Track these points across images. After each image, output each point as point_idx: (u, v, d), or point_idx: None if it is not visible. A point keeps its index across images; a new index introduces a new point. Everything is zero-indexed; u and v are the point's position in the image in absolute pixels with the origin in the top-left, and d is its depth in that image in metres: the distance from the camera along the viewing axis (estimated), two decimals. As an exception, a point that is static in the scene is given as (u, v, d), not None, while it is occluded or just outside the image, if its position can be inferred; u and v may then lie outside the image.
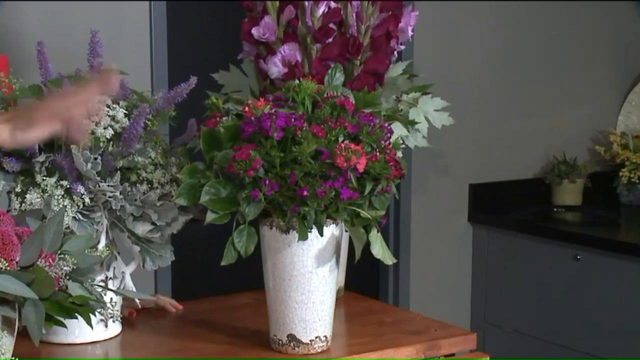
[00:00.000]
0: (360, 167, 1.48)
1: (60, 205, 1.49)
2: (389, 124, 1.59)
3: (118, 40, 2.53)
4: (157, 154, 1.61)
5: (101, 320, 1.61)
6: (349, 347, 1.65)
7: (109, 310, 1.39)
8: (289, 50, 1.73)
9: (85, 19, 2.51)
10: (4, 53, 2.07)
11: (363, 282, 3.03)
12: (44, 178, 1.52)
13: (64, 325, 1.34)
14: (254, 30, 1.74)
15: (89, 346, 1.62)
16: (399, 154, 1.59)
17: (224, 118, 1.58)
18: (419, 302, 3.14)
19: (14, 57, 2.39)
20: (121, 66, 1.67)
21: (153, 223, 1.60)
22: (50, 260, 1.30)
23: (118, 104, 1.60)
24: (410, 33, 1.80)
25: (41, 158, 1.52)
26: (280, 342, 1.58)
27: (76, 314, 1.32)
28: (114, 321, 1.63)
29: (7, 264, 1.25)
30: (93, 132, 1.53)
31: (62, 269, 1.31)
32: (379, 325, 1.75)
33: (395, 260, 1.62)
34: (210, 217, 1.51)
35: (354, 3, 1.73)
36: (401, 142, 1.62)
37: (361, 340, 1.67)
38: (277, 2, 1.73)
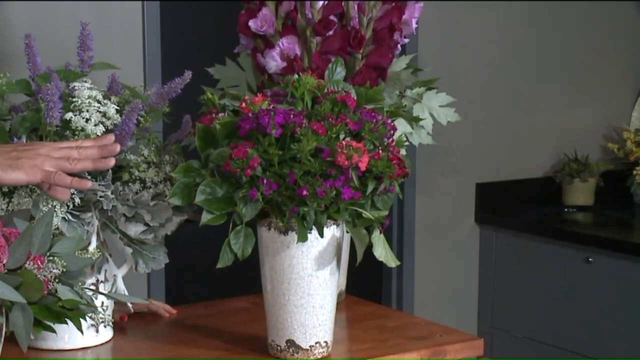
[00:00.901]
0: (362, 166, 1.48)
1: (49, 206, 1.50)
2: (392, 121, 1.60)
3: (109, 33, 2.53)
4: (150, 151, 1.61)
5: (92, 325, 1.61)
6: (350, 353, 1.65)
7: (100, 315, 1.40)
8: (288, 44, 1.73)
9: (76, 11, 2.51)
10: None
11: (365, 285, 3.04)
12: (32, 177, 1.52)
13: (53, 331, 1.34)
14: (251, 23, 1.74)
15: (79, 352, 1.62)
16: (403, 151, 1.59)
17: (220, 114, 1.58)
18: (423, 307, 3.15)
19: (1, 51, 2.40)
20: (112, 60, 1.68)
21: (146, 224, 1.60)
22: (39, 263, 1.30)
23: (109, 99, 1.60)
24: (414, 25, 1.80)
25: (29, 156, 1.52)
26: (279, 348, 1.58)
27: (66, 319, 1.32)
28: (105, 326, 1.63)
29: (-7, 267, 1.25)
30: (83, 129, 1.54)
31: (51, 271, 1.31)
32: (381, 330, 1.75)
33: (398, 263, 1.62)
34: (205, 217, 1.51)
35: (356, -7, 1.73)
36: (405, 139, 1.62)
37: (363, 346, 1.67)
38: (276, -7, 1.73)
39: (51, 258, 1.33)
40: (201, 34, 2.89)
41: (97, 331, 1.64)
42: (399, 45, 1.81)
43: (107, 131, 1.56)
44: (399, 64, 1.83)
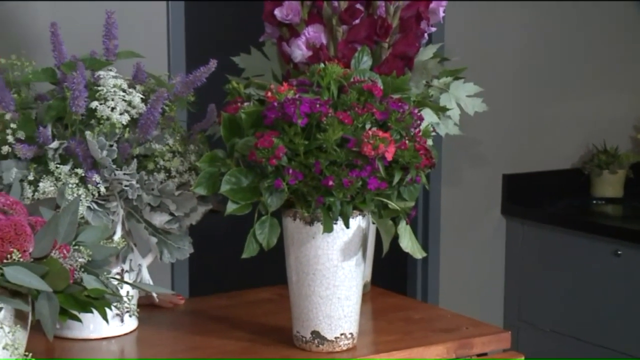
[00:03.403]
0: (389, 156, 1.49)
1: (75, 195, 1.51)
2: (419, 111, 1.60)
3: (134, 21, 2.54)
4: (175, 141, 1.62)
5: (117, 314, 1.63)
6: (376, 345, 1.66)
7: (125, 305, 1.41)
8: (314, 32, 1.74)
9: (99, -1, 2.53)
10: (17, 35, 2.09)
11: (389, 277, 3.04)
12: (58, 166, 1.53)
13: (78, 320, 1.35)
14: (276, 11, 1.74)
15: (104, 342, 1.64)
16: (430, 142, 1.59)
17: (246, 103, 1.58)
18: (449, 299, 3.15)
19: (27, 40, 2.42)
20: (137, 49, 1.69)
21: (171, 214, 1.61)
22: (65, 252, 1.32)
23: (134, 88, 1.61)
24: (441, 14, 1.80)
25: (54, 145, 1.54)
26: (304, 339, 1.59)
27: (91, 308, 1.34)
28: (130, 316, 1.65)
29: (20, 255, 1.27)
30: (108, 118, 1.55)
31: (76, 260, 1.33)
32: (407, 322, 1.76)
33: (424, 254, 1.62)
34: (230, 207, 1.52)
35: (383, -18, 1.73)
36: (432, 129, 1.62)
37: (388, 338, 1.68)
38: (302, -19, 1.73)
39: (77, 247, 1.35)
40: (225, 23, 2.90)
41: (122, 321, 1.65)
42: (425, 34, 1.81)
43: (132, 120, 1.57)
44: (426, 53, 1.83)
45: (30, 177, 1.54)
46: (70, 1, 2.53)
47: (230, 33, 2.82)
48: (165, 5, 2.66)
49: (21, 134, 1.55)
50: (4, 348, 1.27)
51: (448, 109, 1.80)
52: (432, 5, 1.77)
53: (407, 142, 1.52)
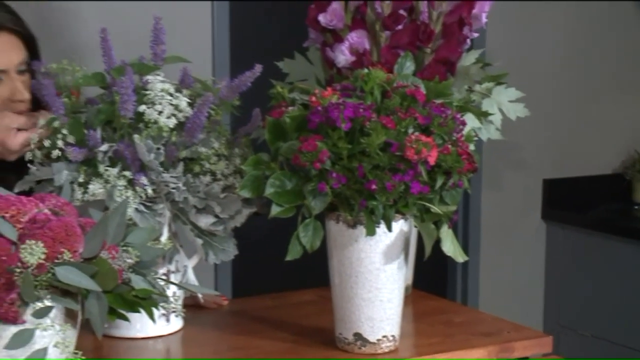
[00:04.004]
0: (431, 160, 1.49)
1: (123, 196, 1.53)
2: (462, 116, 1.60)
3: (179, 27, 2.57)
4: (221, 144, 1.64)
5: (163, 314, 1.64)
6: (417, 347, 1.66)
7: (172, 305, 1.42)
8: (357, 38, 1.74)
9: (146, 4, 2.56)
10: (66, 40, 2.12)
11: (429, 280, 3.03)
12: (107, 168, 1.56)
13: (126, 319, 1.37)
14: (320, 17, 1.75)
15: (150, 341, 1.66)
16: (471, 146, 1.59)
17: (290, 108, 1.59)
18: (488, 302, 3.14)
19: (76, 45, 2.45)
20: (182, 54, 1.71)
21: (216, 216, 1.63)
22: (114, 252, 1.33)
23: (181, 92, 1.63)
24: (484, 20, 1.80)
25: (104, 148, 1.56)
26: (346, 340, 1.60)
27: (139, 308, 1.35)
28: (176, 316, 1.66)
29: (70, 256, 1.28)
30: (156, 122, 1.57)
31: (125, 261, 1.34)
32: (448, 325, 1.76)
33: (466, 258, 1.62)
34: (275, 210, 1.53)
35: (426, -12, 1.74)
36: (474, 134, 1.62)
37: (430, 340, 1.68)
38: (346, -13, 1.74)
39: (125, 248, 1.36)
40: (269, 28, 2.91)
41: (167, 320, 1.67)
42: (468, 40, 1.80)
43: (179, 123, 1.59)
44: (468, 59, 1.83)
45: (80, 180, 1.56)
46: (118, 6, 2.56)
47: (274, 38, 2.84)
48: (210, 12, 2.68)
49: (71, 138, 1.58)
50: (54, 346, 1.29)
51: (490, 114, 1.80)
52: (475, 10, 1.77)
53: (449, 146, 1.52)
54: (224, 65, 2.71)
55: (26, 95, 1.72)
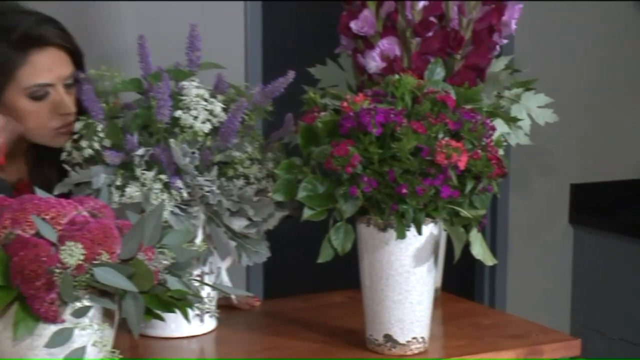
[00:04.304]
0: (461, 165, 1.49)
1: (159, 199, 1.54)
2: (491, 121, 1.59)
3: (213, 33, 2.58)
4: (254, 148, 1.64)
5: (197, 315, 1.65)
6: (446, 349, 1.65)
7: (206, 305, 1.43)
8: (388, 44, 1.74)
9: (180, 10, 2.58)
10: (104, 47, 2.13)
11: (457, 283, 3.02)
12: (143, 172, 1.57)
13: (162, 319, 1.38)
14: (352, 24, 1.75)
15: (185, 340, 1.66)
16: (501, 151, 1.59)
17: (322, 113, 1.60)
18: (516, 305, 3.12)
19: (113, 51, 2.47)
20: (215, 60, 1.72)
21: (249, 218, 1.63)
22: (150, 254, 1.34)
23: (216, 98, 1.64)
24: (513, 26, 1.79)
25: (140, 152, 1.57)
26: (377, 342, 1.59)
27: (174, 308, 1.36)
28: (210, 316, 1.67)
29: (108, 257, 1.29)
30: (191, 127, 1.58)
31: (161, 262, 1.35)
32: (477, 327, 1.75)
33: (495, 262, 1.61)
34: (307, 213, 1.53)
35: (456, -5, 1.73)
36: (503, 139, 1.62)
37: (459, 342, 1.67)
38: (377, -5, 1.74)
39: (161, 250, 1.37)
40: (301, 35, 2.92)
41: (201, 321, 1.68)
42: (497, 46, 1.80)
43: (214, 128, 1.60)
44: (498, 65, 1.82)
45: (118, 183, 1.57)
46: (154, 14, 2.58)
47: (306, 45, 2.85)
48: (243, 19, 2.69)
49: (109, 142, 1.59)
50: (93, 345, 1.30)
51: (519, 120, 1.79)
52: (505, 17, 1.76)
53: (479, 151, 1.52)
54: (257, 71, 2.72)
55: (72, 109, 1.74)
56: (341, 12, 1.80)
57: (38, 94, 1.72)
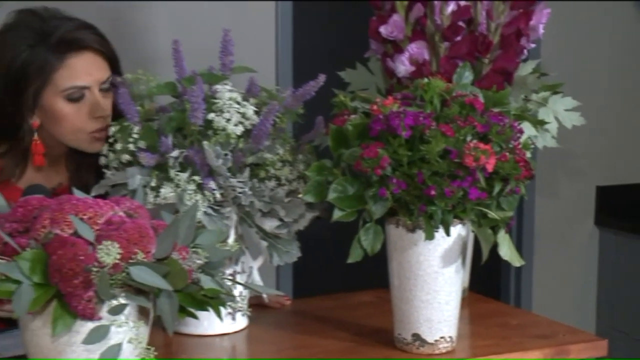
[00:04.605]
0: (489, 167, 1.48)
1: (193, 200, 1.55)
2: (519, 124, 1.59)
3: (244, 37, 2.59)
4: (285, 150, 1.65)
5: (229, 313, 1.66)
6: (474, 349, 1.65)
7: (238, 304, 1.44)
8: (417, 49, 1.74)
9: (212, 15, 2.59)
10: (140, 52, 2.15)
11: (484, 283, 3.01)
12: (177, 173, 1.58)
13: (195, 317, 1.38)
14: (382, 29, 1.75)
15: (217, 338, 1.67)
16: (528, 154, 1.58)
17: (352, 116, 1.60)
18: (542, 306, 3.10)
19: (148, 56, 2.49)
20: (247, 64, 1.72)
21: (280, 219, 1.64)
22: (184, 254, 1.35)
23: (248, 101, 1.64)
24: (541, 31, 1.78)
25: (175, 153, 1.58)
26: (405, 341, 1.59)
27: (207, 307, 1.37)
28: (242, 315, 1.68)
29: (144, 256, 1.30)
30: (224, 129, 1.58)
31: (194, 262, 1.35)
32: (504, 327, 1.74)
33: (523, 262, 1.61)
34: (337, 214, 1.53)
35: (485, 0, 1.73)
36: (531, 142, 1.61)
37: (486, 342, 1.67)
38: (406, 0, 1.74)
39: (195, 249, 1.37)
40: (330, 39, 2.93)
41: (233, 319, 1.68)
42: (525, 50, 1.79)
43: (246, 131, 1.61)
44: (525, 69, 1.82)
45: (153, 184, 1.58)
46: (188, 20, 2.59)
47: (335, 49, 2.85)
48: (274, 24, 2.70)
49: (144, 144, 1.60)
50: (129, 342, 1.31)
51: (546, 123, 1.79)
52: (533, 22, 1.76)
53: (507, 154, 1.51)
54: (287, 74, 2.73)
55: (107, 112, 1.75)
56: (370, 17, 1.80)
57: (74, 96, 1.74)
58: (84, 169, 1.81)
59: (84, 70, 1.74)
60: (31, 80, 1.72)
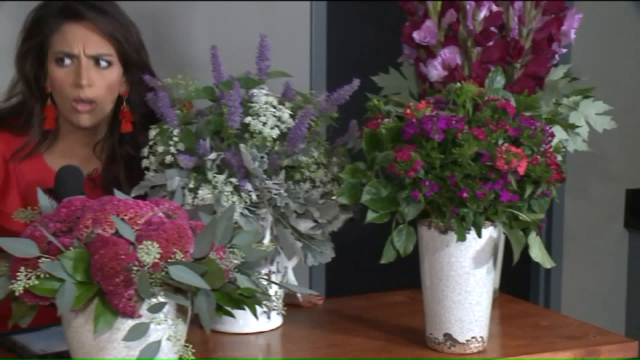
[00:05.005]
0: (521, 170, 1.47)
1: (230, 201, 1.55)
2: (550, 128, 1.58)
3: (279, 42, 2.60)
4: (320, 153, 1.65)
5: (264, 312, 1.66)
6: (505, 349, 1.64)
7: (273, 303, 1.44)
8: (450, 54, 1.73)
9: (248, 21, 2.60)
10: (179, 57, 2.15)
11: (513, 284, 3.00)
12: (215, 175, 1.58)
13: (232, 315, 1.39)
14: (415, 34, 1.75)
15: (252, 336, 1.68)
16: (559, 157, 1.57)
17: (385, 120, 1.60)
18: (570, 307, 3.08)
19: (187, 61, 2.51)
20: (282, 68, 1.73)
21: (315, 220, 1.64)
22: (221, 254, 1.35)
23: (284, 105, 1.65)
24: (572, 36, 1.77)
25: (212, 156, 1.59)
26: (437, 340, 1.59)
27: (244, 305, 1.37)
28: (278, 314, 1.68)
29: (182, 256, 1.31)
30: (260, 132, 1.59)
31: (231, 261, 1.36)
32: (534, 328, 1.73)
33: (554, 264, 1.59)
34: (370, 216, 1.53)
35: (516, 6, 1.72)
36: (562, 145, 1.60)
37: (517, 342, 1.66)
38: (439, 6, 1.74)
39: (232, 249, 1.38)
40: (363, 45, 2.92)
41: (268, 317, 1.69)
42: (556, 55, 1.78)
43: (282, 134, 1.61)
44: (557, 73, 1.80)
45: (191, 185, 1.59)
46: (224, 27, 2.60)
47: (368, 54, 2.85)
48: (308, 29, 2.70)
49: (183, 146, 1.61)
50: (167, 339, 1.32)
51: (577, 126, 1.77)
52: (564, 27, 1.74)
53: (538, 157, 1.50)
54: (321, 79, 2.73)
55: (85, 81, 1.78)
56: (399, 22, 1.80)
57: (62, 61, 1.79)
58: (116, 161, 1.85)
59: (75, 39, 1.78)
60: (34, 39, 1.81)
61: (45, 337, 1.56)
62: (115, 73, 1.81)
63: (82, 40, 1.78)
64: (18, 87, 1.86)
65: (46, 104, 1.82)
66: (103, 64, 1.80)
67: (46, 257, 1.30)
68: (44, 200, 1.43)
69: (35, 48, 1.81)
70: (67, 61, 1.79)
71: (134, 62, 1.82)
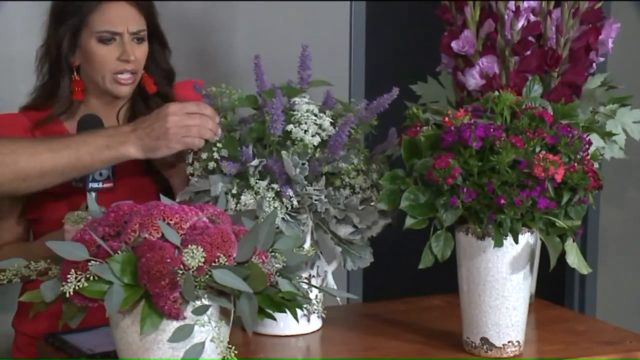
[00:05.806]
0: (558, 178, 1.46)
1: (272, 207, 1.56)
2: (587, 136, 1.56)
3: (319, 52, 2.60)
4: (360, 160, 1.64)
5: (304, 315, 1.66)
6: (541, 353, 1.62)
7: (314, 306, 1.44)
8: (487, 63, 1.72)
9: (289, 31, 2.60)
10: (222, 66, 2.17)
11: (548, 290, 2.96)
12: (257, 181, 1.58)
13: (273, 318, 1.39)
14: (453, 44, 1.74)
15: (293, 338, 1.67)
16: (596, 164, 1.55)
17: (424, 127, 1.59)
18: (605, 313, 3.03)
19: (230, 70, 2.52)
20: (322, 77, 1.73)
21: (354, 226, 1.63)
22: (264, 258, 1.35)
23: (324, 113, 1.64)
24: (610, 45, 1.75)
25: (255, 162, 1.59)
26: (473, 344, 1.57)
27: (285, 308, 1.37)
28: (318, 317, 1.68)
29: (226, 260, 1.31)
30: (302, 140, 1.59)
31: (273, 265, 1.36)
32: (570, 333, 1.71)
33: (590, 270, 1.57)
34: (409, 222, 1.52)
35: (554, 16, 1.70)
36: (600, 153, 1.58)
37: (553, 347, 1.63)
38: (477, 16, 1.72)
39: (273, 254, 1.38)
40: (401, 54, 2.92)
41: (308, 320, 1.68)
42: (593, 64, 1.76)
43: (322, 141, 1.61)
44: (594, 82, 1.78)
45: (234, 191, 1.59)
46: (266, 37, 2.61)
47: (406, 64, 2.84)
48: (348, 39, 2.71)
49: (226, 153, 1.61)
50: (211, 340, 1.32)
51: (614, 134, 1.75)
52: (602, 36, 1.72)
53: (576, 165, 1.48)
54: (360, 87, 2.73)
55: (133, 58, 1.83)
56: (438, 32, 1.79)
57: (105, 38, 1.82)
58: None
59: (117, 17, 1.82)
60: (69, 18, 1.83)
61: (93, 337, 1.58)
62: (146, 45, 1.87)
63: (125, 19, 1.83)
64: (45, 68, 1.89)
65: (73, 77, 1.86)
66: (140, 36, 1.85)
67: (95, 260, 1.31)
68: (93, 205, 1.44)
69: (72, 28, 1.84)
70: (109, 38, 1.82)
71: (157, 34, 1.90)
